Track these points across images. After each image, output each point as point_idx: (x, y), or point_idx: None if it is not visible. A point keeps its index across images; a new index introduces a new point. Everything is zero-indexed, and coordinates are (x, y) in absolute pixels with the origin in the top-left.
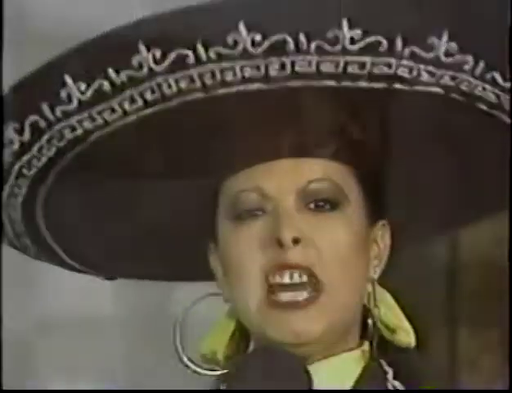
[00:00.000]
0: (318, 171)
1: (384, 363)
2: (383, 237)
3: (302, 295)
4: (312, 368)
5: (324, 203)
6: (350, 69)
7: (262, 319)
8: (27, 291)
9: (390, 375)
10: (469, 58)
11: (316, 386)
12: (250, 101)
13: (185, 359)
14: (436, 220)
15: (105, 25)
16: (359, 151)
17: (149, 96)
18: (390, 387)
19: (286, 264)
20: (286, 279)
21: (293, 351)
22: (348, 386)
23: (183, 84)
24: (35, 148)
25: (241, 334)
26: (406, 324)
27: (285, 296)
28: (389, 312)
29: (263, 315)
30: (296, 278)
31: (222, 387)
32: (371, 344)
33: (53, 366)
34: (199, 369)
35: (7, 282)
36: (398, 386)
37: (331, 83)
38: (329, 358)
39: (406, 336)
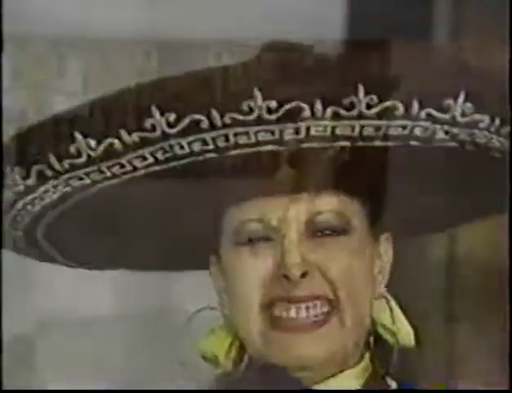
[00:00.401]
0: (323, 203)
1: (387, 377)
2: (386, 250)
3: (308, 320)
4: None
5: (330, 231)
6: (365, 132)
7: (264, 341)
8: (26, 290)
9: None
10: (485, 117)
11: None
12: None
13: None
14: (432, 227)
15: (104, 27)
16: (363, 184)
17: (160, 155)
18: None
19: (293, 297)
20: (292, 314)
21: (293, 373)
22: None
23: (196, 147)
24: (40, 190)
25: (241, 342)
26: (407, 326)
27: (290, 322)
28: (391, 316)
29: (266, 337)
30: (302, 314)
31: None
32: (373, 357)
33: (53, 366)
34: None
35: (6, 282)
36: None
37: (346, 143)
38: (330, 379)
39: (407, 337)
